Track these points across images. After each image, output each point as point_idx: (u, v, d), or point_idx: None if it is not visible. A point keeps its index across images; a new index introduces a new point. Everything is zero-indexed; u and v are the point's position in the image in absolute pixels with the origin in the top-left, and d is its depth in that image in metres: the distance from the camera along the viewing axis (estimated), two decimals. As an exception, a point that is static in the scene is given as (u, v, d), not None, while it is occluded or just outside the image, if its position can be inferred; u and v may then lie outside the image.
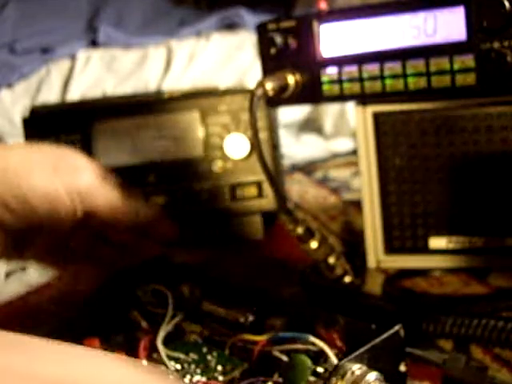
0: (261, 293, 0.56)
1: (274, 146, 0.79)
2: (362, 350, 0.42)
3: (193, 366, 0.50)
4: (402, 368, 0.45)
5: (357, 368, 0.41)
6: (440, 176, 0.64)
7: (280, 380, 0.45)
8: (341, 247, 0.75)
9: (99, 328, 0.53)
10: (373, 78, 0.58)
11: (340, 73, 0.59)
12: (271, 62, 0.62)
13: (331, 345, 0.46)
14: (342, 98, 0.60)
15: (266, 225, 0.81)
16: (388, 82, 0.57)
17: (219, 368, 0.49)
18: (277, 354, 0.47)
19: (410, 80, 0.56)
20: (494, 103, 0.61)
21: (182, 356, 0.51)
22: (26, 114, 0.81)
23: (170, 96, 0.81)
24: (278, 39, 0.61)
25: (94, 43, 1.32)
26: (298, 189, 1.02)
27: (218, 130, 0.78)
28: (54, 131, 0.79)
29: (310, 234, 0.62)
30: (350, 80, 0.59)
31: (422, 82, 0.56)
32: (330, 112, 1.20)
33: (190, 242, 0.80)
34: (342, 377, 0.41)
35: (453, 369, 0.48)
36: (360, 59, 0.58)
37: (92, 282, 0.61)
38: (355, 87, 0.59)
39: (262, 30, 0.62)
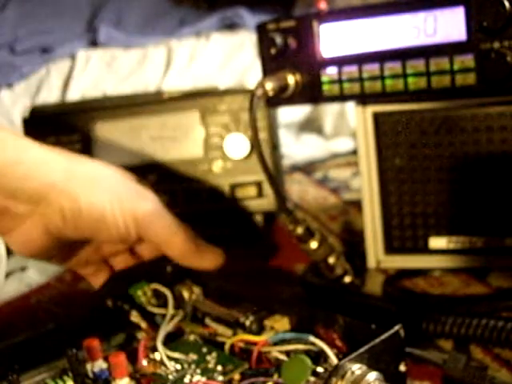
0: (261, 293, 0.56)
1: (274, 146, 0.79)
2: (361, 350, 0.42)
3: (193, 366, 0.50)
4: (402, 368, 0.45)
5: (357, 368, 0.41)
6: (440, 176, 0.64)
7: (280, 380, 0.45)
8: (341, 247, 0.75)
9: (99, 328, 0.53)
10: (373, 78, 0.58)
11: (340, 73, 0.59)
12: (271, 62, 0.62)
13: (331, 345, 0.46)
14: (341, 98, 0.60)
15: (266, 225, 0.81)
16: (388, 82, 0.57)
17: (219, 368, 0.49)
18: (277, 354, 0.47)
19: (410, 80, 0.56)
20: (493, 103, 0.61)
21: (181, 356, 0.51)
22: (25, 114, 0.81)
23: (169, 96, 0.81)
24: (278, 39, 0.61)
25: (93, 43, 1.32)
26: (298, 189, 1.02)
27: (217, 130, 0.78)
28: (54, 131, 0.79)
29: (309, 234, 0.62)
30: (350, 80, 0.59)
31: (422, 82, 0.56)
32: (330, 112, 1.20)
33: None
34: (342, 377, 0.41)
35: (453, 369, 0.48)
36: (360, 59, 0.58)
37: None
38: (355, 87, 0.59)
39: (261, 30, 0.62)
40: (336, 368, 0.41)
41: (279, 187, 0.68)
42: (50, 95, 1.23)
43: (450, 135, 0.63)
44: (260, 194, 0.78)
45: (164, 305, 0.56)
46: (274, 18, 0.62)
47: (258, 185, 0.77)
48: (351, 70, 0.59)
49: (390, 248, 0.67)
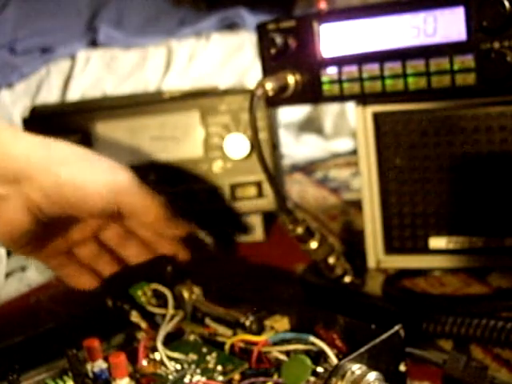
0: (261, 293, 0.56)
1: (274, 146, 0.79)
2: (361, 350, 0.42)
3: (193, 366, 0.50)
4: (402, 368, 0.45)
5: (357, 368, 0.41)
6: (440, 176, 0.64)
7: (280, 380, 0.45)
8: (341, 247, 0.75)
9: (99, 328, 0.53)
10: (373, 78, 0.58)
11: (340, 73, 0.59)
12: (271, 62, 0.62)
13: (331, 345, 0.46)
14: (342, 98, 0.60)
15: (266, 225, 0.81)
16: (388, 82, 0.57)
17: (219, 368, 0.49)
18: (277, 354, 0.47)
19: (410, 80, 0.56)
20: (493, 103, 0.61)
21: (181, 356, 0.51)
22: (25, 114, 0.81)
23: (170, 96, 0.81)
24: (278, 39, 0.61)
25: (93, 43, 1.32)
26: (298, 189, 1.02)
27: (217, 130, 0.78)
28: (54, 131, 0.79)
29: (309, 234, 0.62)
30: (350, 80, 0.59)
31: (422, 82, 0.56)
32: (330, 112, 1.20)
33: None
34: (342, 377, 0.41)
35: (453, 369, 0.48)
36: (360, 59, 0.58)
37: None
38: (355, 87, 0.59)
39: (261, 30, 0.62)
40: (336, 368, 0.41)
41: (279, 187, 0.68)
42: (49, 95, 1.23)
43: (449, 135, 0.63)
44: (260, 194, 0.78)
45: (164, 305, 0.56)
46: (274, 18, 0.62)
47: (258, 185, 0.77)
48: (351, 70, 0.59)
49: (390, 248, 0.67)
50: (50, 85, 1.24)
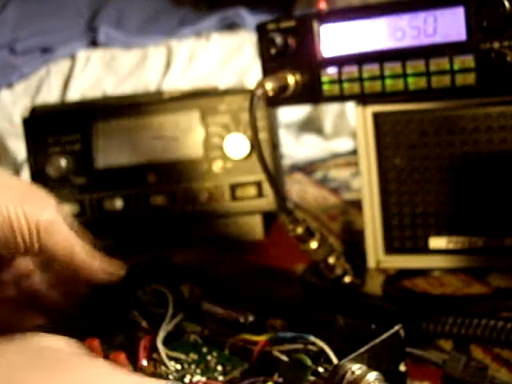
0: (261, 293, 0.56)
1: (274, 146, 0.79)
2: (361, 350, 0.42)
3: (193, 366, 0.50)
4: (402, 368, 0.45)
5: (357, 368, 0.41)
6: (440, 176, 0.64)
7: (280, 380, 0.45)
8: (341, 247, 0.75)
9: (99, 328, 0.53)
10: (373, 78, 0.58)
11: (340, 73, 0.59)
12: (271, 62, 0.62)
13: (331, 345, 0.46)
14: (342, 98, 0.60)
15: (266, 225, 0.81)
16: (388, 82, 0.57)
17: (219, 368, 0.49)
18: (277, 354, 0.47)
19: (410, 80, 0.56)
20: (493, 103, 0.61)
21: (182, 356, 0.51)
22: (25, 114, 0.81)
23: (169, 96, 0.81)
24: (278, 39, 0.61)
25: (93, 43, 1.32)
26: (298, 189, 1.02)
27: (217, 130, 0.78)
28: (54, 131, 0.79)
29: (309, 234, 0.62)
30: (350, 80, 0.59)
31: (422, 82, 0.56)
32: (330, 112, 1.20)
33: (190, 242, 0.80)
34: (342, 377, 0.41)
35: (453, 369, 0.48)
36: (360, 59, 0.58)
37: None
38: (355, 87, 0.59)
39: (261, 30, 0.62)
40: (336, 368, 0.41)
41: (279, 187, 0.68)
42: (50, 95, 1.23)
43: (449, 135, 0.63)
44: (260, 194, 0.78)
45: (164, 305, 0.56)
46: (274, 18, 0.62)
47: (258, 185, 0.77)
48: (351, 70, 0.59)
49: (390, 248, 0.67)
50: (50, 85, 1.24)
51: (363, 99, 0.64)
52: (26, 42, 1.29)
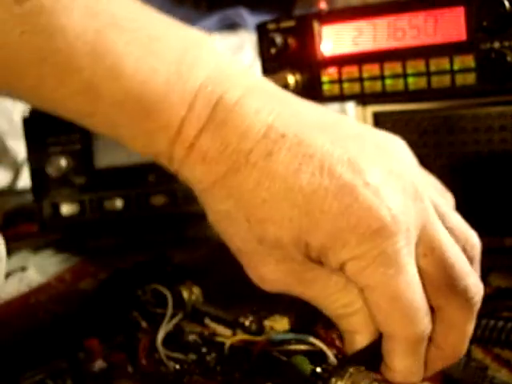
0: (261, 293, 0.56)
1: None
2: (361, 350, 0.42)
3: (192, 366, 0.50)
4: (402, 368, 0.45)
5: (356, 368, 0.41)
6: (440, 176, 0.64)
7: (279, 381, 0.45)
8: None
9: (99, 328, 0.53)
10: (373, 78, 0.58)
11: (340, 73, 0.59)
12: (271, 62, 0.62)
13: (331, 345, 0.46)
14: (342, 97, 0.60)
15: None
16: (388, 81, 0.57)
17: (219, 368, 0.49)
18: (276, 354, 0.47)
19: (410, 80, 0.56)
20: (494, 103, 0.61)
21: (181, 356, 0.51)
22: (26, 114, 0.81)
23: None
24: (278, 39, 0.61)
25: (94, 43, 1.32)
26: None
27: (218, 130, 0.77)
28: (54, 131, 0.79)
29: (309, 234, 0.61)
30: (350, 80, 0.59)
31: (422, 82, 0.56)
32: (330, 112, 1.20)
33: (190, 242, 0.80)
34: (342, 377, 0.41)
35: (453, 369, 0.48)
36: (360, 59, 0.58)
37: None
38: (355, 87, 0.59)
39: (262, 30, 0.62)
40: (336, 368, 0.41)
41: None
42: (50, 95, 1.22)
43: (450, 135, 0.63)
44: (260, 194, 0.77)
45: (164, 305, 0.56)
46: (274, 18, 0.62)
47: (258, 185, 0.77)
48: (351, 69, 0.59)
49: (390, 248, 0.67)
50: (50, 85, 1.24)
51: (363, 99, 0.64)
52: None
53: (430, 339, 0.41)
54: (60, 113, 0.43)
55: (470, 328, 0.43)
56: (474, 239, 0.43)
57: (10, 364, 0.48)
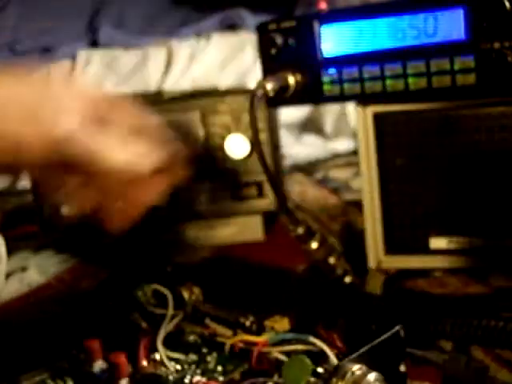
0: (261, 293, 0.56)
1: (275, 146, 0.79)
2: (362, 350, 0.42)
3: (193, 367, 0.50)
4: (402, 368, 0.45)
5: (357, 368, 0.41)
6: (440, 176, 0.64)
7: (280, 380, 0.45)
8: (341, 247, 0.74)
9: (99, 328, 0.53)
10: (373, 79, 0.58)
11: (340, 73, 0.59)
12: (271, 63, 0.62)
13: (331, 345, 0.46)
14: (342, 98, 0.60)
15: (267, 225, 0.81)
16: (388, 82, 0.57)
17: (219, 368, 0.49)
18: (277, 354, 0.47)
19: (411, 80, 0.56)
20: (494, 103, 0.61)
21: (181, 356, 0.51)
22: (26, 114, 0.81)
23: (170, 96, 0.81)
24: (279, 39, 0.61)
25: (94, 43, 1.32)
26: (299, 189, 1.02)
27: (218, 131, 0.78)
28: (55, 131, 0.79)
29: (310, 234, 0.62)
30: (351, 80, 0.59)
31: (422, 83, 0.56)
32: (330, 112, 1.20)
33: (190, 242, 0.80)
34: (342, 377, 0.41)
35: (453, 369, 0.48)
36: (360, 59, 0.58)
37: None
38: (356, 87, 0.59)
39: (262, 31, 0.62)
40: (336, 368, 0.41)
41: (280, 187, 0.68)
42: (50, 95, 1.22)
43: (450, 135, 0.63)
44: (260, 194, 0.78)
45: (164, 305, 0.56)
46: (275, 19, 0.62)
47: (259, 185, 0.77)
48: (352, 70, 0.59)
49: (391, 248, 0.67)
50: (51, 85, 1.24)
51: (364, 99, 0.63)
52: (26, 43, 1.29)
53: None
54: None
55: None
56: None
57: (10, 364, 0.48)
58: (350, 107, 1.14)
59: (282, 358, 0.47)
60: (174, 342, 0.52)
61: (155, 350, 0.51)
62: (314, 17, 0.60)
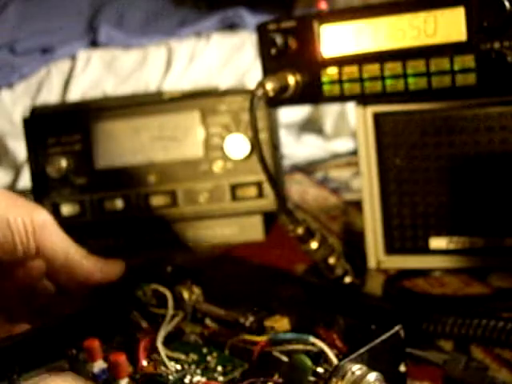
0: (261, 293, 0.56)
1: (275, 146, 0.79)
2: (362, 350, 0.42)
3: (193, 367, 0.49)
4: (402, 368, 0.45)
5: (357, 368, 0.41)
6: (440, 176, 0.64)
7: (280, 380, 0.45)
8: (341, 247, 0.75)
9: (99, 328, 0.53)
10: (373, 79, 0.58)
11: (340, 73, 0.59)
12: (271, 63, 0.62)
13: (331, 345, 0.46)
14: (342, 98, 0.60)
15: (266, 225, 0.81)
16: (388, 82, 0.57)
17: (219, 368, 0.49)
18: (277, 354, 0.47)
19: (411, 80, 0.56)
20: (494, 103, 0.61)
21: (182, 356, 0.51)
22: (26, 114, 0.81)
23: (170, 96, 0.81)
24: (279, 39, 0.61)
25: (94, 43, 1.32)
26: (299, 189, 1.02)
27: (218, 131, 0.78)
28: (54, 131, 0.79)
29: (310, 234, 0.62)
30: (351, 80, 0.59)
31: (422, 83, 0.56)
32: (330, 112, 1.20)
33: (189, 242, 0.80)
34: (342, 377, 0.41)
35: (453, 369, 0.48)
36: (360, 59, 0.58)
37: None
38: (355, 87, 0.59)
39: (262, 31, 0.62)
40: (336, 368, 0.41)
41: (279, 187, 0.68)
42: (50, 95, 1.23)
43: (450, 135, 0.63)
44: (260, 194, 0.78)
45: (164, 305, 0.56)
46: (275, 19, 0.62)
47: (259, 185, 0.77)
48: (351, 70, 0.59)
49: (391, 248, 0.67)
50: (51, 85, 1.24)
51: (363, 99, 0.64)
52: (26, 42, 1.29)
53: None
54: None
55: None
56: None
57: (10, 364, 0.48)
58: (350, 107, 1.14)
59: (282, 358, 0.47)
60: (174, 342, 0.52)
61: (155, 350, 0.51)
62: (313, 17, 0.60)
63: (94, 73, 1.26)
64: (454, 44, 0.54)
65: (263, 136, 0.75)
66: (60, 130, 0.79)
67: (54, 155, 0.78)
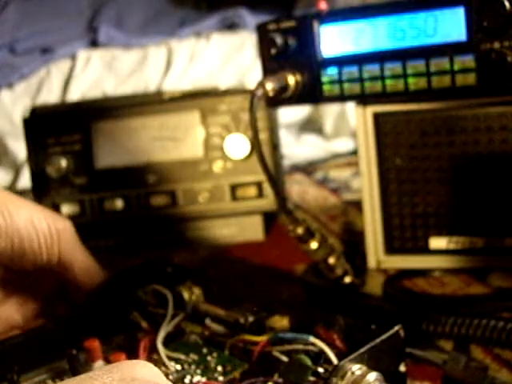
0: (261, 293, 0.56)
1: (275, 146, 0.79)
2: (361, 350, 0.42)
3: (193, 367, 0.50)
4: (402, 368, 0.45)
5: (357, 368, 0.41)
6: (440, 176, 0.64)
7: (280, 380, 0.45)
8: (341, 247, 0.75)
9: (99, 328, 0.53)
10: (373, 79, 0.58)
11: (340, 73, 0.59)
12: (271, 63, 0.62)
13: (331, 345, 0.46)
14: (342, 98, 0.60)
15: (266, 225, 0.81)
16: (388, 82, 0.57)
17: (219, 368, 0.49)
18: (277, 354, 0.47)
19: (411, 80, 0.56)
20: (494, 103, 0.61)
21: (182, 356, 0.51)
22: (26, 114, 0.81)
23: (170, 96, 0.81)
24: (279, 39, 0.61)
25: (94, 43, 1.32)
26: (299, 189, 1.02)
27: (218, 131, 0.78)
28: (54, 131, 0.79)
29: (310, 234, 0.62)
30: (351, 80, 0.59)
31: (422, 83, 0.56)
32: (330, 112, 1.20)
33: (189, 243, 0.80)
34: (342, 377, 0.41)
35: (453, 369, 0.48)
36: (360, 59, 0.58)
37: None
38: (355, 87, 0.59)
39: (262, 30, 0.62)
40: (336, 368, 0.41)
41: (279, 187, 0.68)
42: (50, 95, 1.23)
43: (450, 135, 0.63)
44: (260, 194, 0.78)
45: (164, 305, 0.56)
46: (275, 18, 0.62)
47: (258, 185, 0.77)
48: (351, 70, 0.59)
49: (391, 248, 0.67)
50: (51, 85, 1.24)
51: (363, 99, 0.64)
52: (26, 42, 1.29)
53: None
54: None
55: None
56: None
57: (10, 364, 0.48)
58: (350, 107, 1.14)
59: (282, 358, 0.47)
60: (174, 342, 0.52)
61: (155, 350, 0.51)
62: (313, 17, 0.60)
63: (94, 73, 1.26)
64: (454, 44, 0.54)
65: (263, 136, 0.75)
66: (60, 129, 0.79)
67: (54, 155, 0.78)
